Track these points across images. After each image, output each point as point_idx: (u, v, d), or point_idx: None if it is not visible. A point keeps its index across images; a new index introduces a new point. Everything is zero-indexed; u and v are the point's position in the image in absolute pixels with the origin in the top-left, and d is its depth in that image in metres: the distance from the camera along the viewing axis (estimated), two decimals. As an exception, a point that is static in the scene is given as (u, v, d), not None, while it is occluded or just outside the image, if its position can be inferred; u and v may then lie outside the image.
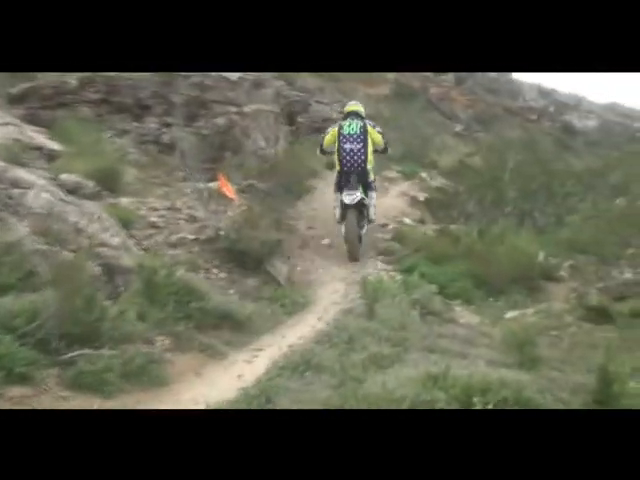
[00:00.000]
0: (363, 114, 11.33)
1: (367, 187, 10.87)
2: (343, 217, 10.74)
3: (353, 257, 10.68)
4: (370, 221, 11.19)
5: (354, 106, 11.49)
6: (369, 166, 10.87)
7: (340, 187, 10.80)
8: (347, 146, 10.73)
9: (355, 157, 10.71)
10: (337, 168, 10.98)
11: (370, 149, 10.87)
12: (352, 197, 10.48)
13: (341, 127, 10.93)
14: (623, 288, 8.02)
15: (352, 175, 10.62)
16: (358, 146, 10.73)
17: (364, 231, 11.06)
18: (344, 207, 10.61)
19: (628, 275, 8.24)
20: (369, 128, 10.96)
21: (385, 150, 11.54)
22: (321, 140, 11.46)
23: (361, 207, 10.69)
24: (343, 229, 10.77)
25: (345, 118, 11.21)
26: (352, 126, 10.87)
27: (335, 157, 10.99)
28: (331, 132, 11.13)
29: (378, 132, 11.15)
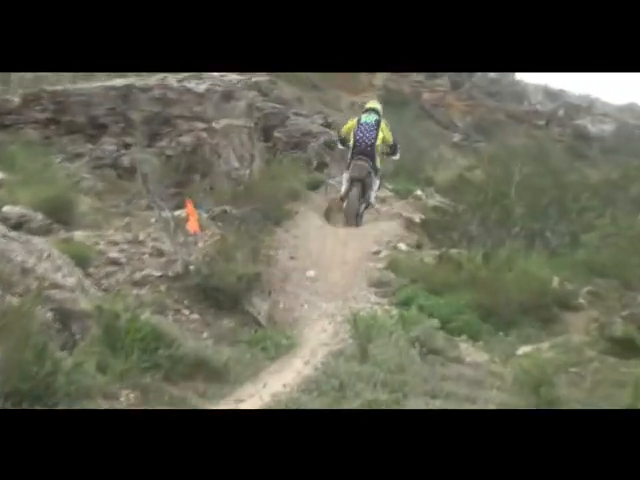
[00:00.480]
0: (380, 112, 14.49)
1: (374, 170, 13.89)
2: (347, 193, 13.72)
3: (350, 224, 13.51)
4: (369, 205, 14.20)
5: (373, 103, 15.02)
6: (377, 153, 14.01)
7: (349, 165, 13.89)
8: (363, 128, 13.95)
9: (366, 138, 13.87)
10: (351, 143, 14.04)
11: (379, 141, 14.06)
12: (360, 170, 13.58)
13: (360, 118, 14.26)
14: (650, 315, 8.03)
15: (361, 155, 13.72)
16: (371, 132, 13.92)
17: (362, 208, 13.99)
18: (351, 181, 13.66)
19: (655, 300, 8.25)
20: (382, 124, 14.25)
21: (394, 149, 14.77)
22: (338, 133, 15.41)
23: (365, 184, 13.66)
24: (345, 204, 13.78)
25: (364, 112, 14.43)
26: (369, 118, 14.15)
27: (351, 137, 14.08)
28: (350, 122, 14.52)
29: (389, 130, 14.42)
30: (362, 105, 22.34)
